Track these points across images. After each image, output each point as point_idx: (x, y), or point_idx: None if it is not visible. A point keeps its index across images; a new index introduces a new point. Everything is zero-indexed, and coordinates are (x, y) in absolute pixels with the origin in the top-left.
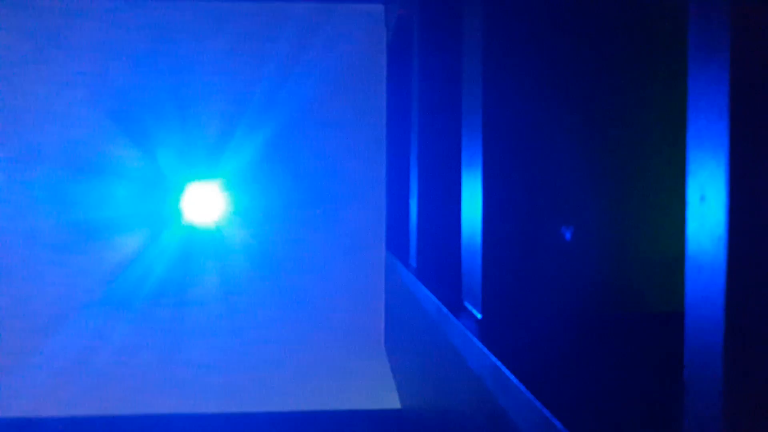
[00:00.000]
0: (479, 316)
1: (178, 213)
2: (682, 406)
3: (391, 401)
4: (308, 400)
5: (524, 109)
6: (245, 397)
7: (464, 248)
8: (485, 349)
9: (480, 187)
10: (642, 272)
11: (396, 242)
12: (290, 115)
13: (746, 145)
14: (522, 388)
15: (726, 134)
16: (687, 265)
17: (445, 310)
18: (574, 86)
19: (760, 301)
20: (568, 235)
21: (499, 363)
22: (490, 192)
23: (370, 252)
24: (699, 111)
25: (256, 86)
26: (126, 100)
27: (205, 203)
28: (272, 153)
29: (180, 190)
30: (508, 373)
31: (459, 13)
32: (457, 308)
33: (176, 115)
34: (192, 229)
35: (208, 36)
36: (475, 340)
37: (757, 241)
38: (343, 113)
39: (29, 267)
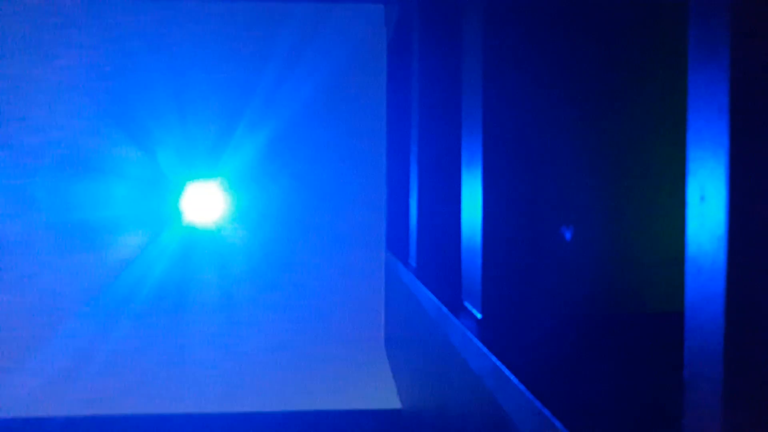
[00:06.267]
0: (479, 316)
1: (178, 213)
2: (682, 406)
3: (391, 401)
4: (308, 400)
5: (524, 109)
6: (245, 397)
7: (464, 248)
8: (485, 349)
9: (480, 187)
10: (642, 272)
11: (396, 242)
12: (290, 115)
13: (746, 144)
14: (522, 388)
15: (726, 134)
16: (687, 265)
17: (445, 310)
18: (574, 86)
19: (760, 301)
20: (568, 235)
21: (499, 363)
22: (490, 192)
23: (370, 252)
24: (699, 111)
25: (256, 86)
26: (126, 100)
27: (205, 203)
28: (272, 153)
29: (180, 190)
30: (508, 373)
31: (459, 13)
32: (457, 308)
33: (176, 115)
34: (192, 229)
35: (208, 36)
36: (475, 340)
37: (757, 241)
38: (343, 113)
39: (29, 267)
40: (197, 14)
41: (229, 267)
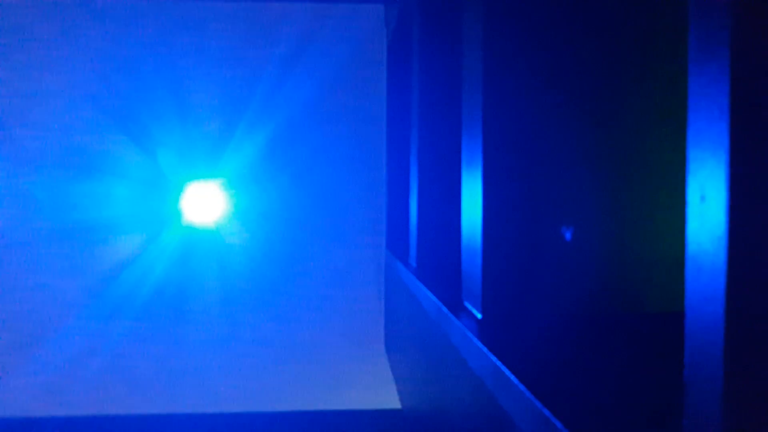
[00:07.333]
0: (479, 316)
1: (178, 213)
2: (682, 406)
3: (391, 401)
4: (308, 400)
5: (524, 109)
6: (245, 397)
7: (464, 248)
8: (485, 349)
9: (480, 187)
10: (642, 272)
11: (396, 242)
12: (290, 115)
13: (746, 144)
14: (522, 388)
15: (726, 134)
16: (687, 265)
17: (445, 310)
18: (574, 86)
19: (760, 301)
20: (568, 236)
21: (499, 363)
22: (490, 192)
23: (370, 252)
24: (699, 111)
25: (256, 86)
26: (125, 100)
27: (205, 203)
28: (272, 153)
29: (180, 190)
30: (508, 373)
31: (459, 13)
32: (457, 308)
33: (176, 115)
34: (192, 229)
35: (208, 36)
36: (475, 340)
37: (757, 241)
38: (343, 113)
39: (29, 267)
40: (197, 14)
41: (229, 267)
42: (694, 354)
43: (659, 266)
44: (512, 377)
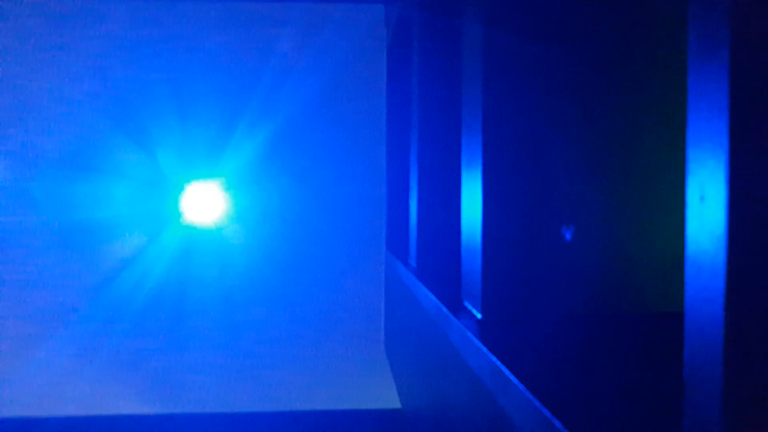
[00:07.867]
0: (479, 316)
1: (178, 213)
2: (682, 406)
3: (391, 401)
4: (308, 400)
5: (524, 109)
6: (245, 397)
7: (464, 248)
8: (485, 349)
9: (480, 187)
10: (642, 272)
11: (396, 242)
12: (290, 115)
13: (746, 144)
14: (522, 388)
15: (726, 134)
16: (687, 265)
17: (445, 310)
18: (574, 86)
19: (760, 301)
20: (568, 236)
21: (499, 363)
22: (490, 192)
23: (370, 252)
24: (699, 111)
25: (256, 86)
26: (125, 100)
27: (205, 203)
28: (272, 153)
29: (180, 190)
30: (508, 373)
31: (459, 13)
32: (457, 308)
33: (176, 115)
34: (192, 229)
35: (208, 36)
36: (475, 340)
37: (757, 241)
38: (343, 113)
39: (29, 267)
40: (197, 14)
41: (229, 267)
42: (694, 354)
43: (659, 266)
44: (512, 377)
